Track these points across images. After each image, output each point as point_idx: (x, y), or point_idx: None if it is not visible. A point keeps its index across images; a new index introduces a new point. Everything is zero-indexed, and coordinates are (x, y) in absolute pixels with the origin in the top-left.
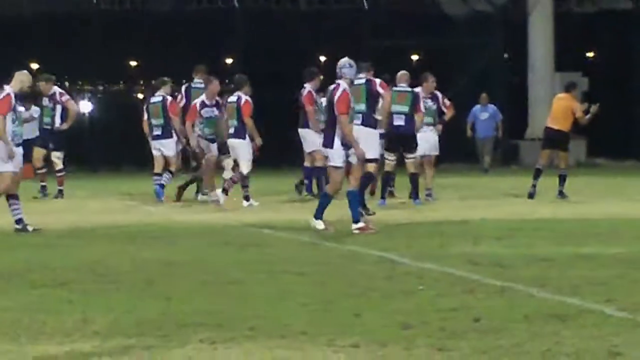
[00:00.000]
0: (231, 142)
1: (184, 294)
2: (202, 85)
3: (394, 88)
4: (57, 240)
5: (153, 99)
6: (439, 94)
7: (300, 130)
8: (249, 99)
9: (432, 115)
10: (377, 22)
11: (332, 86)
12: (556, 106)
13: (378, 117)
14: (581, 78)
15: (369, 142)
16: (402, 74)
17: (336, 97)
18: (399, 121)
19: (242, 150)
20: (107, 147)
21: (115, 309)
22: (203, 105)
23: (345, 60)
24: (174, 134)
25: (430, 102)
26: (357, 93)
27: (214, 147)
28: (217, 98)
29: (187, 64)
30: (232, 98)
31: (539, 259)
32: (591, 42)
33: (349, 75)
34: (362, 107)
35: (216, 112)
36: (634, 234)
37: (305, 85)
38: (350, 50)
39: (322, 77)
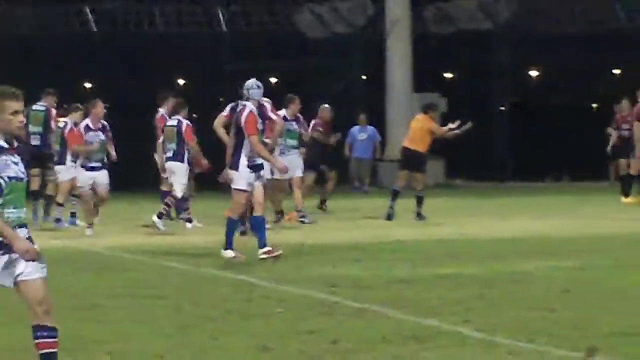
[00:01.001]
0: (170, 165)
1: None
2: (43, 108)
3: None
4: None
5: None
6: (300, 117)
7: (155, 155)
8: (189, 122)
9: (296, 138)
10: (236, 45)
11: (237, 107)
12: (413, 127)
13: (268, 141)
14: (440, 98)
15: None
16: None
17: (243, 119)
18: None
19: (180, 173)
20: None
21: None
22: (87, 129)
23: (252, 82)
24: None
25: (294, 125)
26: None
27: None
28: (103, 121)
29: (45, 88)
30: (172, 122)
31: (398, 280)
32: (450, 63)
33: (256, 96)
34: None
35: (101, 136)
36: (491, 254)
37: (159, 109)
38: (208, 74)
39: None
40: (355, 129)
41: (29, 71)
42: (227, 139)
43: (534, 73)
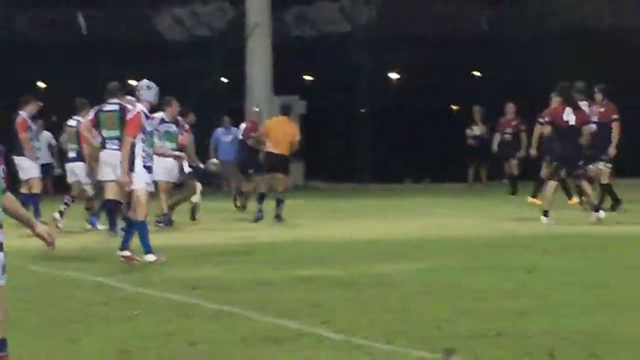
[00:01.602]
0: (72, 165)
1: None
2: None
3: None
4: None
5: None
6: (181, 119)
7: (15, 158)
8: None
9: (175, 141)
10: (97, 50)
11: (105, 108)
12: (276, 130)
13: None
14: (299, 101)
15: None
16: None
17: (128, 119)
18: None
19: (83, 174)
20: None
21: None
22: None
23: (143, 83)
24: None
25: (173, 127)
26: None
27: None
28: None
29: None
30: (72, 122)
31: (258, 282)
32: (310, 66)
33: (148, 97)
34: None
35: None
36: (351, 256)
37: (20, 112)
38: (70, 78)
39: (39, 104)
40: (220, 131)
41: None
42: (95, 143)
43: (394, 75)
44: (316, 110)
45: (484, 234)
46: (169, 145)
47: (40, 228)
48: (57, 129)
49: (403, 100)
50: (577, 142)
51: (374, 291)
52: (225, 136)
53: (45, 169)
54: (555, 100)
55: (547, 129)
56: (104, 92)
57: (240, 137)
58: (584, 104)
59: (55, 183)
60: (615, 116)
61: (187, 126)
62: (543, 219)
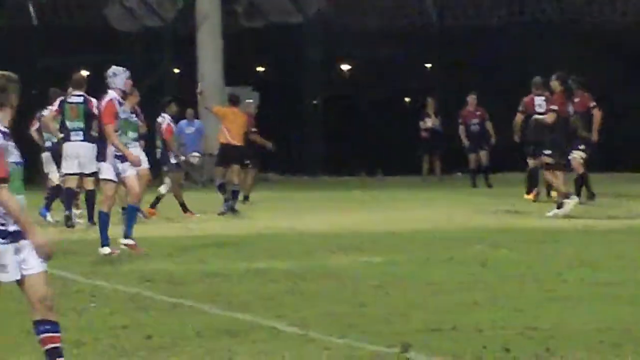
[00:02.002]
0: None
1: None
2: None
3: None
4: None
5: None
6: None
7: None
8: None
9: (136, 130)
10: (47, 39)
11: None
12: (232, 122)
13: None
14: (252, 92)
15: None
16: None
17: (102, 108)
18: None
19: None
20: None
21: None
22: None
23: (111, 70)
24: None
25: (134, 117)
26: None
27: None
28: None
29: None
30: (46, 112)
31: (210, 274)
32: (262, 57)
33: (117, 84)
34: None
35: None
36: (304, 248)
37: None
38: (20, 69)
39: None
40: (183, 123)
41: None
42: (57, 135)
43: (345, 67)
44: (268, 101)
45: (438, 227)
46: (131, 135)
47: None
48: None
49: (354, 92)
50: (565, 131)
51: (329, 284)
52: (188, 127)
53: None
54: (558, 89)
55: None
56: (70, 83)
57: None
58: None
59: None
60: (592, 104)
61: (168, 118)
62: (568, 202)
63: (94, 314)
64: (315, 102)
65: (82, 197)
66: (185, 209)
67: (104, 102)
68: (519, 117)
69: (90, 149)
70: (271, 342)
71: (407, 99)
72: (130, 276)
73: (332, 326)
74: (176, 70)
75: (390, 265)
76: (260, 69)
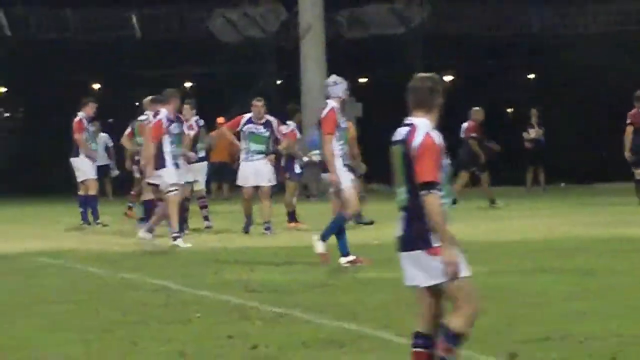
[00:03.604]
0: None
1: None
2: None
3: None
4: None
5: None
6: (274, 121)
7: (72, 160)
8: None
9: (264, 143)
10: (151, 51)
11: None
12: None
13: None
14: (355, 103)
15: None
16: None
17: (323, 116)
18: None
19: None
20: None
21: None
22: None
23: (331, 78)
24: None
25: (262, 129)
26: None
27: None
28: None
29: None
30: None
31: (317, 284)
32: (364, 67)
33: (337, 93)
34: None
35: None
36: None
37: (78, 113)
38: (124, 81)
39: (96, 105)
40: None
41: None
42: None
43: (447, 78)
44: (371, 112)
45: (542, 237)
46: (259, 148)
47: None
48: (118, 130)
49: (456, 102)
50: None
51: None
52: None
53: (103, 170)
54: None
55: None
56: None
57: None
58: None
59: (114, 184)
60: None
61: (293, 125)
62: None
63: (198, 324)
64: None
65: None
66: (292, 219)
67: (325, 111)
68: (629, 131)
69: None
70: (378, 352)
71: (509, 110)
72: (234, 286)
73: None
74: (278, 82)
75: (495, 275)
76: (362, 80)
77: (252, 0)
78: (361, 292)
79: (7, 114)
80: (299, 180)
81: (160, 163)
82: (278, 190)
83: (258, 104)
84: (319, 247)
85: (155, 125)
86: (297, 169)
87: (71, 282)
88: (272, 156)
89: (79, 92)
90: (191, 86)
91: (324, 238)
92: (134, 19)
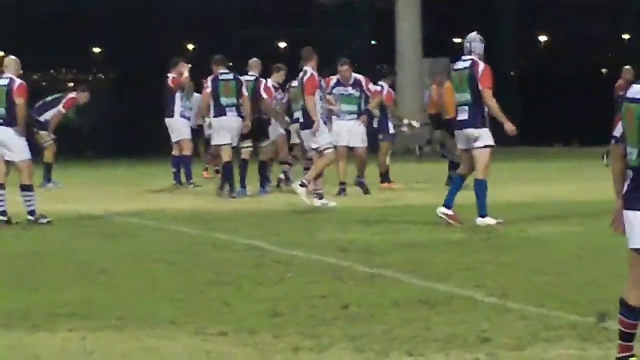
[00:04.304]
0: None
1: (52, 284)
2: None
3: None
4: None
5: None
6: (362, 79)
7: (166, 120)
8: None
9: (356, 103)
10: (245, 12)
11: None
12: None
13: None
14: (450, 63)
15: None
16: (253, 61)
17: (479, 73)
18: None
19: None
20: None
21: None
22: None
23: (473, 35)
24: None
25: (351, 90)
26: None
27: None
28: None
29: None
30: (294, 83)
31: (408, 244)
32: (459, 28)
33: (479, 50)
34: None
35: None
36: (502, 218)
37: (168, 74)
38: (219, 41)
39: (186, 64)
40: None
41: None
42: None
43: (542, 38)
44: None
45: None
46: (350, 108)
47: None
48: None
49: (551, 63)
50: None
51: (526, 254)
52: None
53: (196, 131)
54: None
55: None
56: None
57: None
58: None
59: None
60: None
61: (387, 85)
62: None
63: (290, 284)
64: (512, 73)
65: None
66: (384, 179)
67: (480, 67)
68: None
69: (240, 123)
70: (469, 312)
71: (604, 70)
72: (326, 246)
73: (529, 296)
74: (372, 42)
75: (589, 234)
76: (457, 40)
77: None
78: (453, 253)
79: (101, 75)
80: (392, 140)
81: (310, 122)
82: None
83: (342, 68)
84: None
85: (311, 79)
86: (391, 129)
87: (164, 243)
88: (364, 117)
89: (173, 53)
90: (285, 47)
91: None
92: None
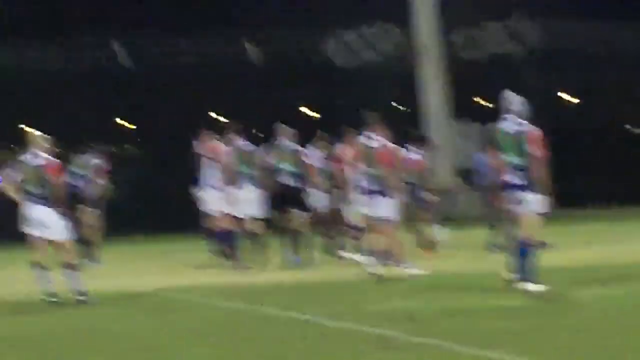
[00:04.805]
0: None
1: None
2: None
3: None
4: None
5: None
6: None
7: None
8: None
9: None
10: (267, 75)
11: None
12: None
13: None
14: (473, 124)
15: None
16: (283, 129)
17: (530, 136)
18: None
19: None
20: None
21: None
22: None
23: (512, 95)
24: None
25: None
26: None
27: None
28: None
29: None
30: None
31: (452, 312)
32: (481, 89)
33: (520, 109)
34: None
35: None
36: (551, 283)
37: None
38: (240, 104)
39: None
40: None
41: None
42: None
43: (566, 96)
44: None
45: None
46: None
47: None
48: None
49: (578, 120)
50: None
51: (569, 319)
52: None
53: None
54: None
55: None
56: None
57: None
58: None
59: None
60: None
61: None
62: None
63: (339, 356)
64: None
65: None
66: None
67: (530, 130)
68: None
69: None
70: None
71: (627, 126)
72: (371, 316)
73: None
74: (396, 105)
75: (633, 296)
76: (481, 101)
77: (368, 21)
78: (497, 319)
79: (126, 146)
80: (427, 207)
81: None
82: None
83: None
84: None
85: (388, 150)
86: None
87: (206, 318)
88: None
89: (198, 121)
90: (307, 111)
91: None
92: (248, 46)
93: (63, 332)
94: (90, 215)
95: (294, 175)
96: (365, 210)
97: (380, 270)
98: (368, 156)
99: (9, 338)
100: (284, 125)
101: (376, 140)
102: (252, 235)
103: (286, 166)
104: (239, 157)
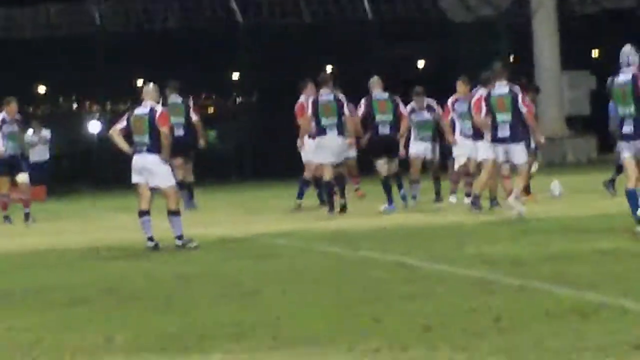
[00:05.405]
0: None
1: (203, 307)
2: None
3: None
4: (73, 259)
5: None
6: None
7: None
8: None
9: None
10: (382, 32)
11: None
12: None
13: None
14: (590, 76)
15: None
16: (376, 80)
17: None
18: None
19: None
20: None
21: (135, 325)
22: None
23: (629, 48)
24: None
25: (426, 114)
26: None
27: None
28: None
29: (193, 80)
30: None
31: (555, 256)
32: (597, 41)
33: (637, 61)
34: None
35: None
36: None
37: (300, 96)
38: (359, 60)
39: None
40: None
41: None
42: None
43: None
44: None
45: None
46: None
47: None
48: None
49: None
50: None
51: None
52: None
53: None
54: None
55: None
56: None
57: None
58: None
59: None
60: None
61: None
62: None
63: (440, 298)
64: None
65: None
66: (526, 192)
67: None
68: None
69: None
70: (620, 321)
71: None
72: (474, 260)
73: None
74: (511, 58)
75: None
76: (595, 53)
77: None
78: (600, 262)
79: (239, 99)
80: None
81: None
82: None
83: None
84: None
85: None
86: (532, 144)
87: (311, 262)
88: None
89: (309, 74)
90: (424, 65)
91: None
92: (365, 1)
93: (158, 277)
94: (188, 163)
95: (390, 124)
96: (486, 156)
97: (519, 207)
98: (503, 104)
99: (114, 286)
100: (376, 77)
101: (505, 87)
102: (340, 180)
103: (382, 117)
104: (320, 109)
